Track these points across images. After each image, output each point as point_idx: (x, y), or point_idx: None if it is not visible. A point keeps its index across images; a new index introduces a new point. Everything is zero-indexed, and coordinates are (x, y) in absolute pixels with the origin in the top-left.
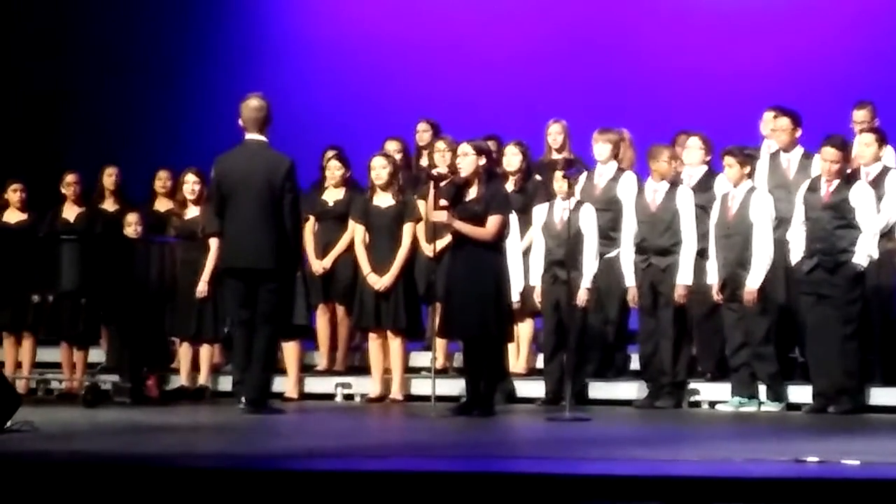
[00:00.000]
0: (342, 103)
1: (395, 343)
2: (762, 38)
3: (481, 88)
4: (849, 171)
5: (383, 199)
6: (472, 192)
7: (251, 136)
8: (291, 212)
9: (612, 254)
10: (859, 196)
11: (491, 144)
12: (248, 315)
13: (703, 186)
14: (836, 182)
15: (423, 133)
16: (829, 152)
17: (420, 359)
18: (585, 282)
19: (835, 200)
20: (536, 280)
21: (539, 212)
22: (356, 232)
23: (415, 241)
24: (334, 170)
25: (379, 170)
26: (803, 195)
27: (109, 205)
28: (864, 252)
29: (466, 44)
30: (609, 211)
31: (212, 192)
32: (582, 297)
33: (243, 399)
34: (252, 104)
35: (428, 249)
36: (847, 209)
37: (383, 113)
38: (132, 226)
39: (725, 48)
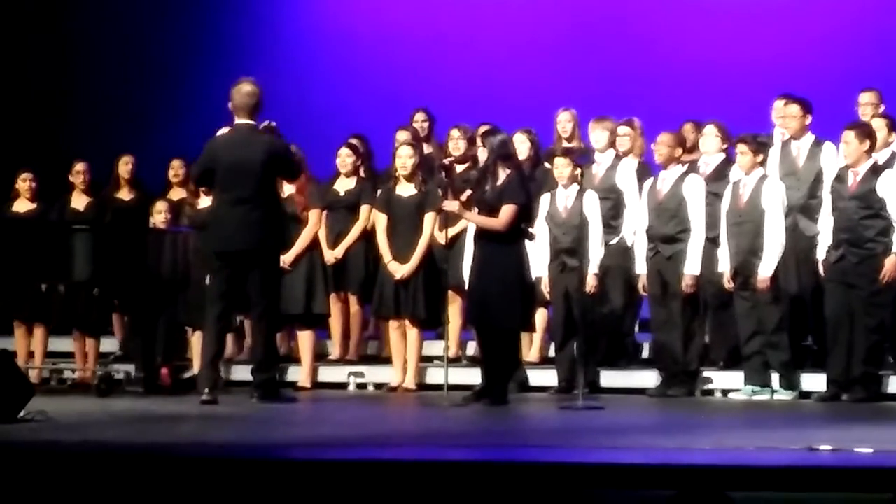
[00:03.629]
0: (352, 94)
1: (413, 333)
2: (773, 25)
3: (492, 77)
4: (874, 160)
5: (406, 189)
6: (490, 182)
7: (242, 120)
8: (291, 177)
9: (614, 241)
10: (887, 186)
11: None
12: (224, 306)
13: (720, 174)
14: (864, 172)
15: (421, 123)
16: (849, 135)
17: (433, 348)
18: (592, 268)
19: (862, 190)
20: (542, 270)
21: (542, 201)
22: (378, 221)
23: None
24: (345, 157)
25: (405, 158)
26: (831, 185)
27: (125, 194)
28: None
29: (477, 33)
30: (608, 199)
31: (195, 174)
32: (590, 283)
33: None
34: (244, 89)
35: (440, 237)
36: (874, 199)
37: (393, 103)
38: (161, 213)
39: (736, 36)
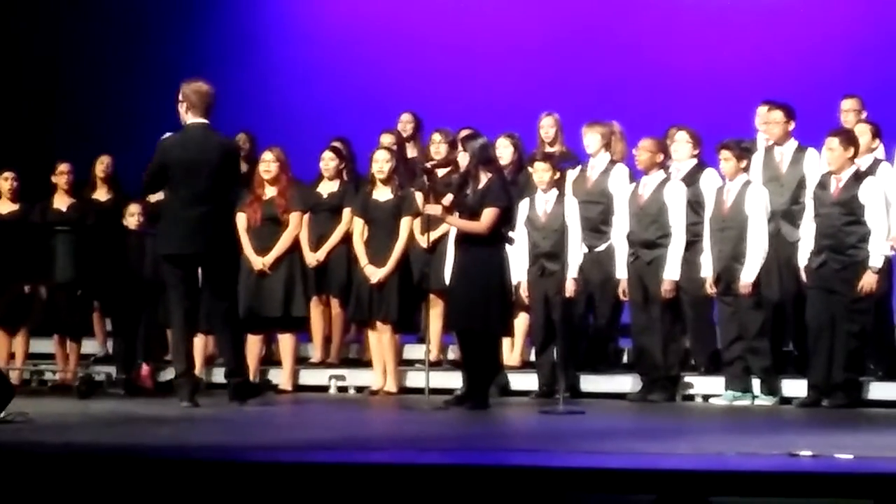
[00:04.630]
0: (336, 97)
1: (386, 335)
2: (757, 31)
3: (475, 81)
4: (857, 167)
5: (382, 193)
6: (471, 186)
7: (198, 119)
8: (236, 183)
9: (602, 247)
10: (868, 193)
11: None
12: (189, 306)
13: (691, 180)
14: (847, 178)
15: (406, 124)
16: (833, 142)
17: (414, 351)
18: (571, 273)
19: (844, 197)
20: (522, 274)
21: (521, 206)
22: (355, 225)
23: (411, 234)
24: (328, 161)
25: (382, 163)
26: (814, 191)
27: (102, 194)
28: (879, 252)
29: (461, 37)
30: (600, 204)
31: (151, 172)
32: (569, 288)
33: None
34: (203, 88)
35: (422, 241)
36: (857, 206)
37: (377, 106)
38: (134, 216)
39: (720, 41)
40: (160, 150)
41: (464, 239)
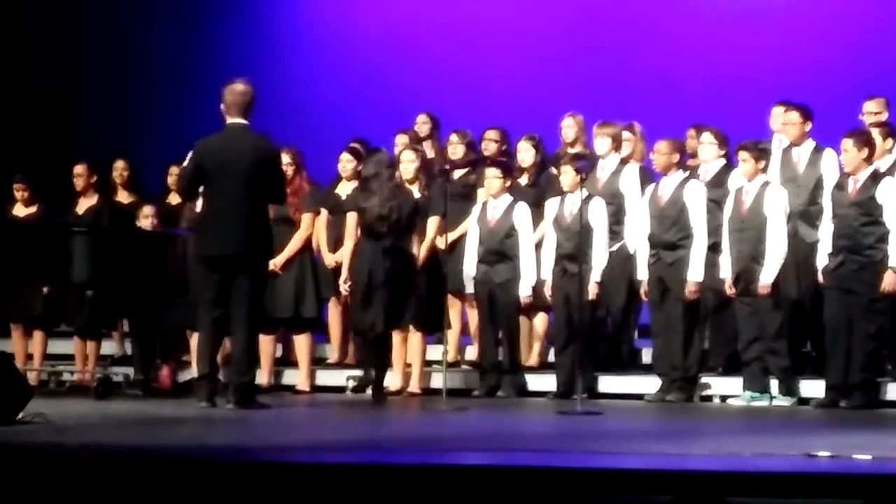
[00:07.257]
0: (355, 98)
1: (416, 337)
2: (775, 31)
3: (496, 81)
4: (875, 167)
5: None
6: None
7: (235, 120)
8: (277, 198)
9: (615, 248)
10: (886, 193)
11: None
12: (220, 313)
13: (718, 181)
14: (864, 179)
15: (422, 125)
16: (847, 143)
17: (431, 352)
18: (595, 275)
19: (861, 198)
20: (547, 274)
21: (550, 206)
22: None
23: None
24: (346, 163)
25: (406, 163)
26: (831, 192)
27: (124, 197)
28: None
29: (481, 37)
30: (612, 204)
31: (187, 174)
32: (592, 290)
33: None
34: (238, 88)
35: (440, 242)
36: (874, 206)
37: (396, 107)
38: (148, 218)
39: (737, 42)
40: (195, 151)
41: None
